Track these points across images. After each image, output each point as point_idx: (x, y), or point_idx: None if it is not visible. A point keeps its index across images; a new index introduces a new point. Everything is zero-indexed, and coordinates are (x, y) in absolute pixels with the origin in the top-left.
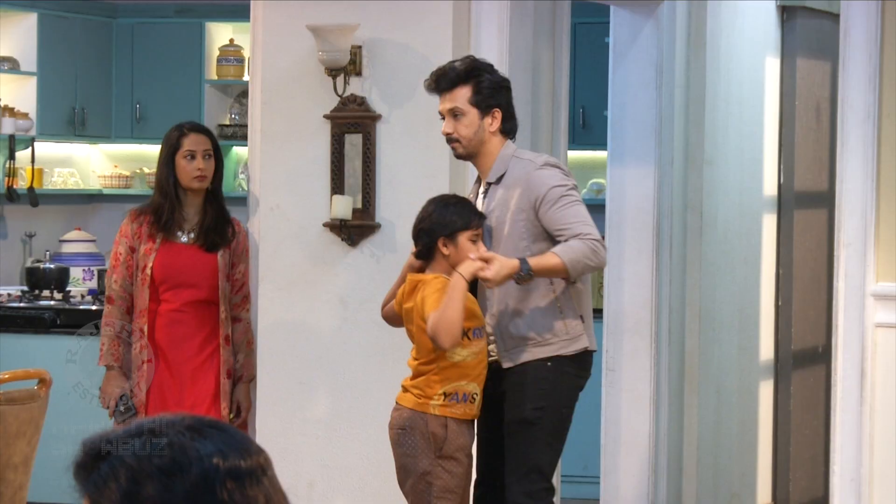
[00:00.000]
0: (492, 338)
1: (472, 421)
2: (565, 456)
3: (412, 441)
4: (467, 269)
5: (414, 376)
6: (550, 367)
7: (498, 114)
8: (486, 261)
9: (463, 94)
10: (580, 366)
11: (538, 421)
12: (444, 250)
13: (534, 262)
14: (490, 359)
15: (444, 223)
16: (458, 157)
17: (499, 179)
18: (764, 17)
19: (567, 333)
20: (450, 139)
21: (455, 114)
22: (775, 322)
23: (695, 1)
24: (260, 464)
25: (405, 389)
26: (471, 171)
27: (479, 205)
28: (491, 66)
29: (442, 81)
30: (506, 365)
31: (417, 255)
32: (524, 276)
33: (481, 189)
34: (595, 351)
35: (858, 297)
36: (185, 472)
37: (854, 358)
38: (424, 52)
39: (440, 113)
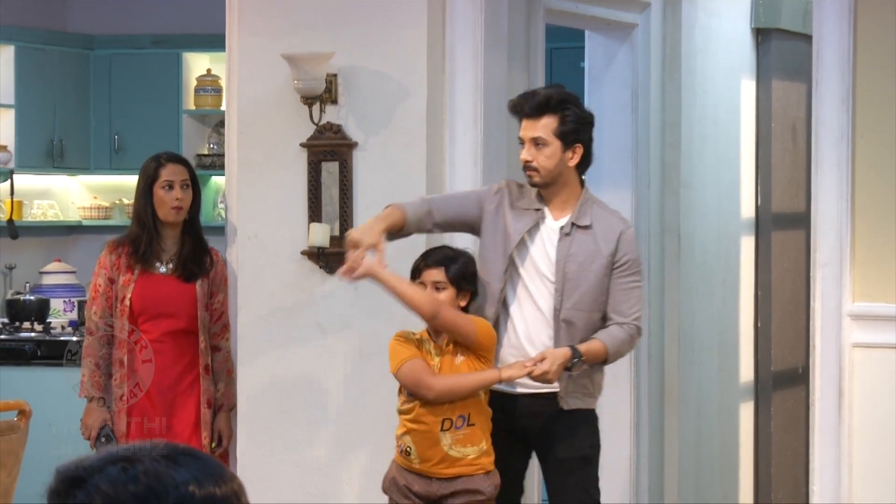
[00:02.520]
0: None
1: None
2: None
3: None
4: (511, 373)
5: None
6: (593, 411)
7: (579, 149)
8: (540, 360)
9: (548, 124)
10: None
11: (594, 458)
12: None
13: (584, 348)
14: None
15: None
16: (534, 184)
17: (586, 225)
18: (738, 39)
19: (601, 388)
20: (528, 167)
21: (537, 143)
22: (755, 343)
23: (669, 24)
24: (234, 490)
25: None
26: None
27: (551, 241)
28: (578, 98)
29: (528, 106)
30: (565, 407)
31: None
32: (577, 363)
33: (559, 226)
34: None
35: (835, 317)
36: (160, 500)
37: (832, 378)
38: (400, 79)
39: (520, 138)
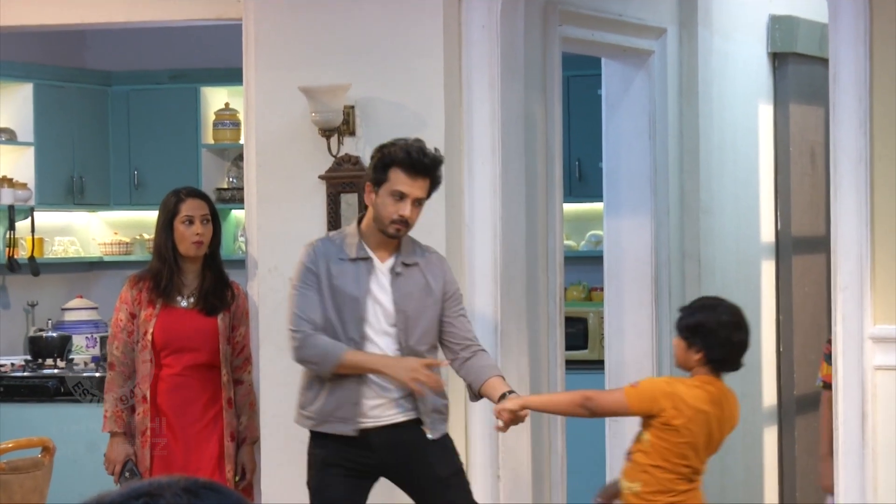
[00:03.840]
0: (410, 412)
1: None
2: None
3: None
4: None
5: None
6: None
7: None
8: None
9: (426, 186)
10: None
11: (462, 468)
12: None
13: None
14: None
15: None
16: (394, 237)
17: (414, 263)
18: (755, 64)
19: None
20: (401, 221)
21: (419, 202)
22: (777, 368)
23: (685, 50)
24: None
25: None
26: (468, 226)
27: (385, 283)
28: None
29: (426, 166)
30: (432, 436)
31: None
32: None
33: (388, 267)
34: None
35: (857, 340)
36: None
37: (855, 401)
38: (417, 110)
39: (402, 193)
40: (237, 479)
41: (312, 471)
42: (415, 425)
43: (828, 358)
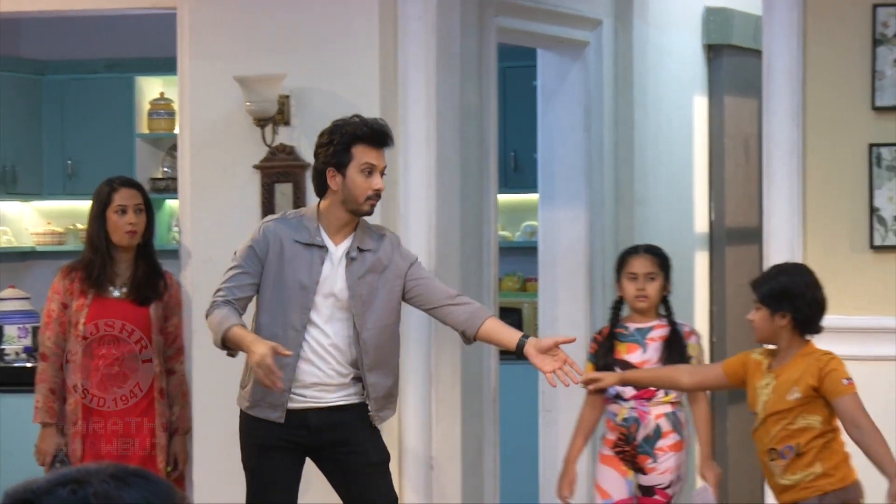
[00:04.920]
0: (354, 396)
1: None
2: (505, 491)
3: None
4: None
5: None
6: None
7: None
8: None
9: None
10: None
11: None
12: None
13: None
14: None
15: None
16: (366, 214)
17: (369, 249)
18: (690, 56)
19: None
20: (377, 196)
21: (384, 173)
22: (710, 357)
23: (620, 42)
24: None
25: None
26: (402, 216)
27: (338, 270)
28: None
29: (388, 139)
30: (378, 424)
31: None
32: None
33: (343, 252)
34: None
35: None
36: None
37: None
38: (352, 100)
39: (371, 165)
40: (169, 469)
41: (249, 451)
42: (357, 409)
43: (592, 357)
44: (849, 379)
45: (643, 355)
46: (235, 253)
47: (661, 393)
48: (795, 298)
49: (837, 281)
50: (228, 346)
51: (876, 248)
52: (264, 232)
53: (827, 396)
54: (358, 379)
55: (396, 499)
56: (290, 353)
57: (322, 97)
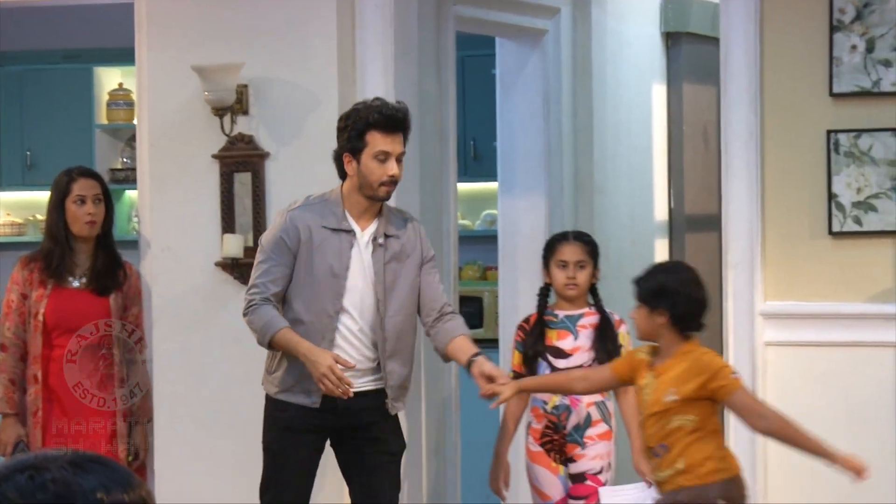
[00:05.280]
0: (378, 382)
1: None
2: (471, 484)
3: None
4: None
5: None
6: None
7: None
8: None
9: (403, 139)
10: None
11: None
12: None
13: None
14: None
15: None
16: (383, 199)
17: (394, 234)
18: (648, 43)
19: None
20: (393, 181)
21: (401, 159)
22: None
23: (579, 30)
24: (142, 497)
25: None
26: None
27: (365, 255)
28: None
29: (403, 122)
30: (392, 411)
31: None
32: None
33: (369, 237)
34: None
35: (748, 316)
36: None
37: (745, 377)
38: (311, 89)
39: (386, 152)
40: (130, 458)
41: (273, 433)
42: (377, 396)
43: (519, 346)
44: (735, 373)
45: (575, 342)
46: (261, 244)
47: None
48: (672, 296)
49: (796, 267)
50: (274, 347)
51: (834, 235)
52: (292, 220)
53: (717, 397)
54: (379, 366)
55: (399, 489)
56: (353, 364)
57: (280, 86)
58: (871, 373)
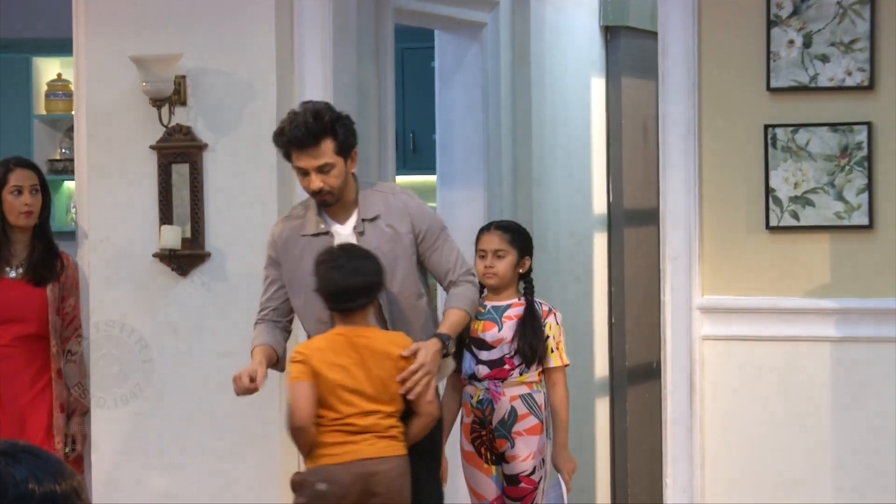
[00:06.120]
0: None
1: None
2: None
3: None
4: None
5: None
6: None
7: (356, 154)
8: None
9: (328, 149)
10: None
11: (438, 445)
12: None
13: (449, 329)
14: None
15: (382, 271)
16: (328, 205)
17: (374, 217)
18: (587, 37)
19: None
20: (317, 193)
21: (324, 169)
22: (609, 339)
23: (518, 23)
24: (74, 487)
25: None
26: (299, 197)
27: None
28: (334, 108)
29: (307, 140)
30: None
31: (356, 308)
32: (449, 344)
33: (350, 229)
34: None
35: (685, 310)
36: (0, 498)
37: (683, 371)
38: (249, 80)
39: (303, 168)
40: (67, 450)
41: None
42: None
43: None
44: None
45: (498, 333)
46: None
47: (515, 373)
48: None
49: (733, 261)
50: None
51: (772, 229)
52: (273, 236)
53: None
54: None
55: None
56: (256, 386)
57: (219, 77)
58: (808, 367)
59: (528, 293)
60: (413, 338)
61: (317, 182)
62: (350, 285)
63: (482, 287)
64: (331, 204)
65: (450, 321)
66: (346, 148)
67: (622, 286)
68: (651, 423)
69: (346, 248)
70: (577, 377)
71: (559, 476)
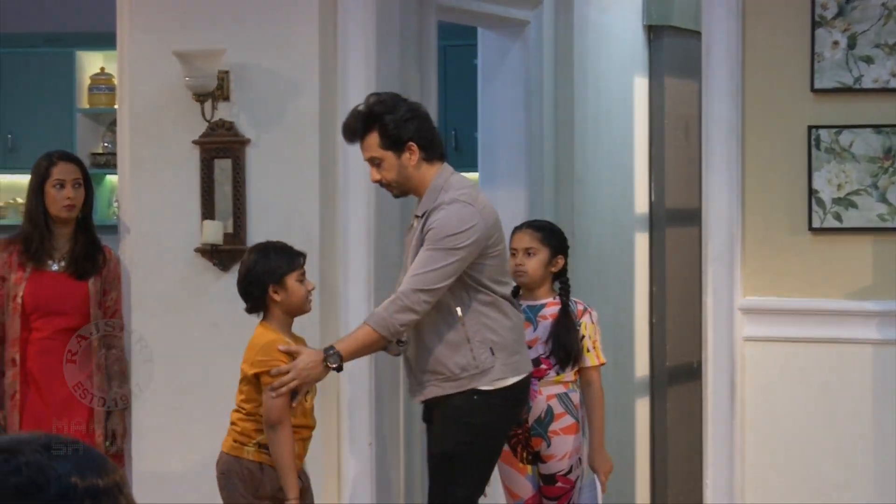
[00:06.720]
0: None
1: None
2: None
3: (232, 484)
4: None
5: (234, 421)
6: (476, 399)
7: (413, 147)
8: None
9: (373, 143)
10: (503, 398)
11: (458, 454)
12: (277, 297)
13: (343, 345)
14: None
15: (270, 270)
16: (397, 197)
17: (421, 214)
18: (631, 36)
19: (476, 367)
20: (381, 184)
21: (374, 162)
22: (650, 339)
23: (561, 22)
24: (116, 482)
25: (228, 432)
26: (342, 193)
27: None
28: (393, 101)
29: (349, 135)
30: (415, 399)
31: (250, 310)
32: (332, 356)
33: (416, 223)
34: (520, 380)
35: (727, 311)
36: (42, 491)
37: (724, 372)
38: (291, 76)
39: (367, 160)
40: (108, 444)
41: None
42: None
43: None
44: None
45: (533, 333)
46: None
47: (551, 373)
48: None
49: (775, 263)
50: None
51: (814, 231)
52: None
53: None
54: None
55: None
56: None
57: (261, 73)
58: (850, 369)
59: (564, 293)
60: (422, 339)
61: (373, 174)
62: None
63: (517, 288)
64: (397, 195)
65: (349, 335)
66: (394, 142)
67: (663, 286)
68: (691, 424)
69: None
70: (618, 377)
71: (594, 476)
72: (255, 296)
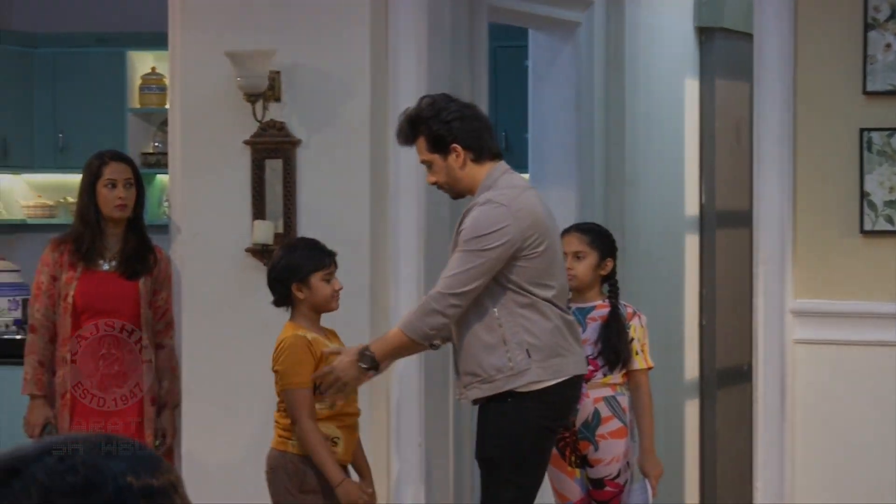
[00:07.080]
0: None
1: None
2: None
3: (279, 479)
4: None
5: (276, 417)
6: (510, 402)
7: (459, 149)
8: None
9: (422, 146)
10: (538, 401)
11: (498, 459)
12: (300, 295)
13: (377, 346)
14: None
15: (294, 267)
16: (455, 198)
17: (465, 211)
18: (682, 38)
19: (512, 369)
20: (437, 187)
21: (427, 165)
22: (700, 340)
23: (612, 23)
24: (171, 482)
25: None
26: (392, 194)
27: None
28: (443, 102)
29: (402, 139)
30: (461, 400)
31: (276, 304)
32: (367, 357)
33: None
34: (558, 383)
35: (778, 314)
36: (98, 491)
37: (775, 374)
38: (342, 77)
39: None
40: (157, 443)
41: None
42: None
43: None
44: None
45: (582, 335)
46: None
47: (599, 374)
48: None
49: (827, 265)
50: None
51: (866, 233)
52: None
53: None
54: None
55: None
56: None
57: (312, 74)
58: None
59: (613, 295)
60: (462, 339)
61: (428, 176)
62: None
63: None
64: (454, 197)
65: (382, 337)
66: (439, 145)
67: (713, 288)
68: (740, 426)
69: None
70: (667, 379)
71: (645, 479)
72: (279, 291)
